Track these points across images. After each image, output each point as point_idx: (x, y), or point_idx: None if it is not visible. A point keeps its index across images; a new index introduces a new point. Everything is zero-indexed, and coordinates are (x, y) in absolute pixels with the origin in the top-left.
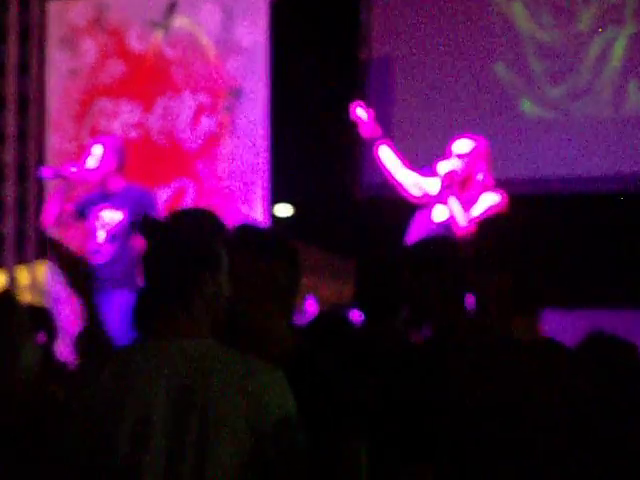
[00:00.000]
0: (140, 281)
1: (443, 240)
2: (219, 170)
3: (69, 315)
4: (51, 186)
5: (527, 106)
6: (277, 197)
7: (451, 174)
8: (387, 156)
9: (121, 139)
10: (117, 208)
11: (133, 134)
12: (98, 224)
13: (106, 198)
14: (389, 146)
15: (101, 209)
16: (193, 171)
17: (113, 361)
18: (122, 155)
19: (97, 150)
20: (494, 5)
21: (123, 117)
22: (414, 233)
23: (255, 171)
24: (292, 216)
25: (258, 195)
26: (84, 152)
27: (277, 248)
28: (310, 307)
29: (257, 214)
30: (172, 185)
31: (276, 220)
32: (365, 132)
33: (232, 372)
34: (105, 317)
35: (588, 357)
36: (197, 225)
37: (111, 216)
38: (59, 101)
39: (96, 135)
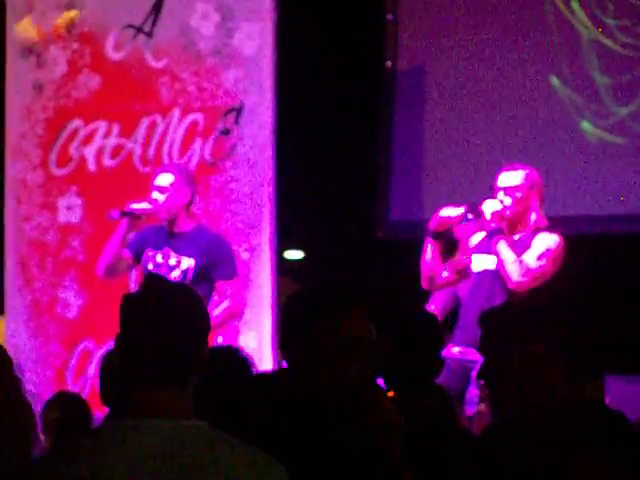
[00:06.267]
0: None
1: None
2: (214, 207)
3: (38, 378)
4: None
5: (587, 128)
6: (286, 239)
7: (499, 214)
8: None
9: (188, 167)
10: (186, 254)
11: (110, 162)
12: (155, 270)
13: (171, 240)
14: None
15: (165, 253)
16: None
17: (81, 446)
18: (194, 187)
19: (166, 180)
20: (547, 4)
21: (98, 141)
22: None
23: (258, 208)
24: (302, 260)
25: (262, 237)
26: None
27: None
28: None
29: (261, 260)
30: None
31: (286, 266)
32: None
33: (228, 464)
34: None
35: None
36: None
37: (176, 262)
38: (21, 122)
39: (65, 163)
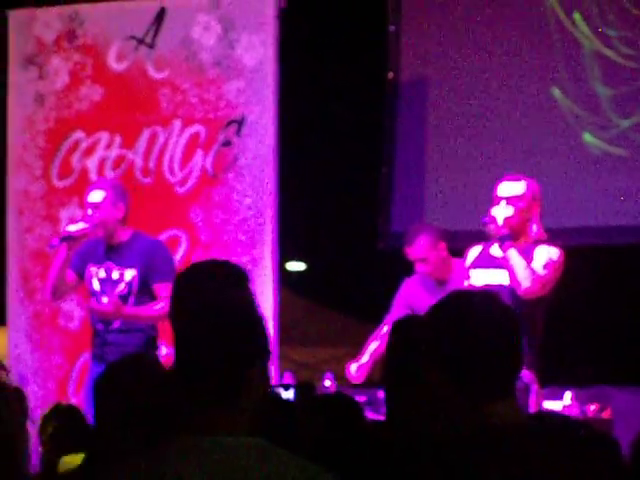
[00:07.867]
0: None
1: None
2: (216, 219)
3: (40, 390)
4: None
5: (589, 139)
6: (288, 250)
7: (508, 221)
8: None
9: (119, 180)
10: (127, 265)
11: (112, 173)
12: (100, 285)
13: (110, 253)
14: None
15: (107, 267)
16: (185, 219)
17: (140, 465)
18: (127, 199)
19: (98, 196)
20: (549, 16)
21: (100, 153)
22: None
23: (260, 220)
24: (304, 271)
25: (264, 249)
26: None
27: None
28: (329, 386)
29: (263, 272)
30: (160, 236)
31: (288, 278)
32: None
33: (281, 476)
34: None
35: None
36: (245, 304)
37: (119, 275)
38: (23, 134)
39: (67, 174)
